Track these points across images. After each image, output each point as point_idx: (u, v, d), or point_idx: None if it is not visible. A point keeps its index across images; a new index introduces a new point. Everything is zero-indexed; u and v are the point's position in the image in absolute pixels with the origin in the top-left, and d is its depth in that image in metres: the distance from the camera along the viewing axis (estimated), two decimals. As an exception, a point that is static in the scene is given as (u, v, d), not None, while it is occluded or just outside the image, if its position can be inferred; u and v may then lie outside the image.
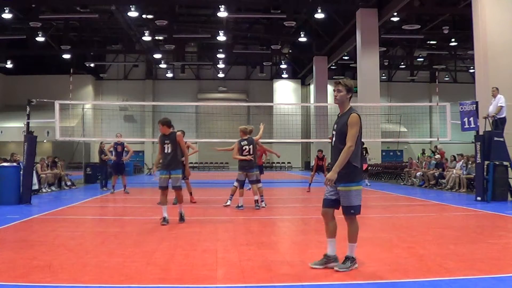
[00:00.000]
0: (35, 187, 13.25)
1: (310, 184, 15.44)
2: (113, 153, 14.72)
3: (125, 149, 14.80)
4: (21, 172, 11.35)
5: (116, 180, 14.64)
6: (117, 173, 14.58)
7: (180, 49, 35.47)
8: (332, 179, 4.68)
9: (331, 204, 4.90)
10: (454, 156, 17.18)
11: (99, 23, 31.77)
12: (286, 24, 27.77)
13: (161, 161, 8.20)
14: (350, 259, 4.78)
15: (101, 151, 16.32)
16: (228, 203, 10.49)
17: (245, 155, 10.09)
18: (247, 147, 10.15)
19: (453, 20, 28.85)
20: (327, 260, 4.82)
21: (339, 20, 26.82)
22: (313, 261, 4.89)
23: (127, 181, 14.92)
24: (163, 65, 38.81)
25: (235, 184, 10.54)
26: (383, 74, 39.70)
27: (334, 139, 4.85)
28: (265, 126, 11.13)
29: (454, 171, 15.51)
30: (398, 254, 5.58)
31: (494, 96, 11.97)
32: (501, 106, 11.76)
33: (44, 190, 15.00)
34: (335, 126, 4.86)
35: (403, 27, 26.40)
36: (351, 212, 4.78)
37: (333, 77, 39.28)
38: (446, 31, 29.10)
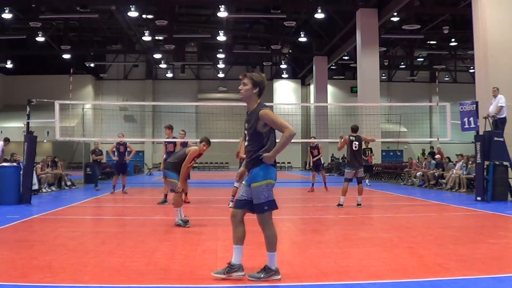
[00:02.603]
0: (35, 187, 13.24)
1: (313, 184, 15.39)
2: (116, 153, 14.72)
3: (128, 149, 14.82)
4: (21, 172, 11.35)
5: (117, 180, 14.63)
6: (119, 173, 14.57)
7: (180, 49, 35.47)
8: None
9: (240, 205, 4.49)
10: (448, 158, 17.16)
11: (99, 23, 31.77)
12: (286, 24, 27.78)
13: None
14: (266, 270, 4.38)
15: (94, 151, 16.50)
16: (231, 205, 10.46)
17: None
18: None
19: (453, 20, 28.85)
20: (230, 269, 4.39)
21: (339, 20, 26.82)
22: (216, 270, 4.50)
23: (126, 181, 14.94)
24: (163, 65, 38.82)
25: (236, 185, 10.50)
26: (383, 74, 39.71)
27: (247, 138, 4.51)
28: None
29: (454, 171, 15.51)
30: (398, 254, 5.57)
31: (495, 96, 11.96)
32: (501, 106, 11.75)
33: (44, 190, 15.00)
34: (246, 125, 4.53)
35: (403, 27, 26.41)
36: (265, 208, 4.38)
37: (333, 77, 39.47)
38: (446, 31, 29.10)
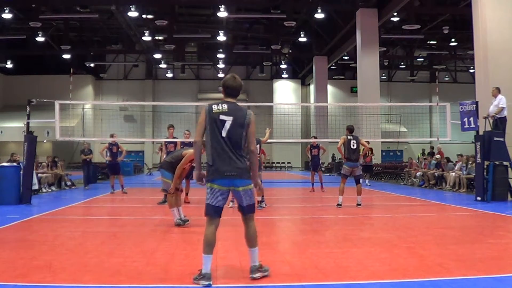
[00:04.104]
0: (35, 187, 13.24)
1: (313, 184, 15.37)
2: (108, 153, 14.70)
3: (119, 149, 14.80)
4: (21, 172, 11.35)
5: (114, 180, 14.62)
6: (113, 173, 14.56)
7: (180, 49, 35.46)
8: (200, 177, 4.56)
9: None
10: (448, 158, 17.12)
11: (99, 23, 31.77)
12: (286, 24, 27.76)
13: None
14: (200, 273, 4.34)
15: (82, 151, 16.59)
16: (231, 205, 10.44)
17: None
18: None
19: (453, 20, 28.86)
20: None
21: (339, 20, 26.82)
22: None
23: (124, 181, 14.93)
24: (163, 65, 38.82)
25: None
26: (383, 74, 39.71)
27: None
28: (271, 130, 11.15)
29: (455, 171, 15.48)
30: (398, 254, 5.57)
31: (495, 96, 11.95)
32: (502, 107, 11.73)
33: (44, 190, 15.00)
34: None
35: (403, 27, 26.38)
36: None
37: (333, 77, 39.46)
38: (446, 31, 29.10)
